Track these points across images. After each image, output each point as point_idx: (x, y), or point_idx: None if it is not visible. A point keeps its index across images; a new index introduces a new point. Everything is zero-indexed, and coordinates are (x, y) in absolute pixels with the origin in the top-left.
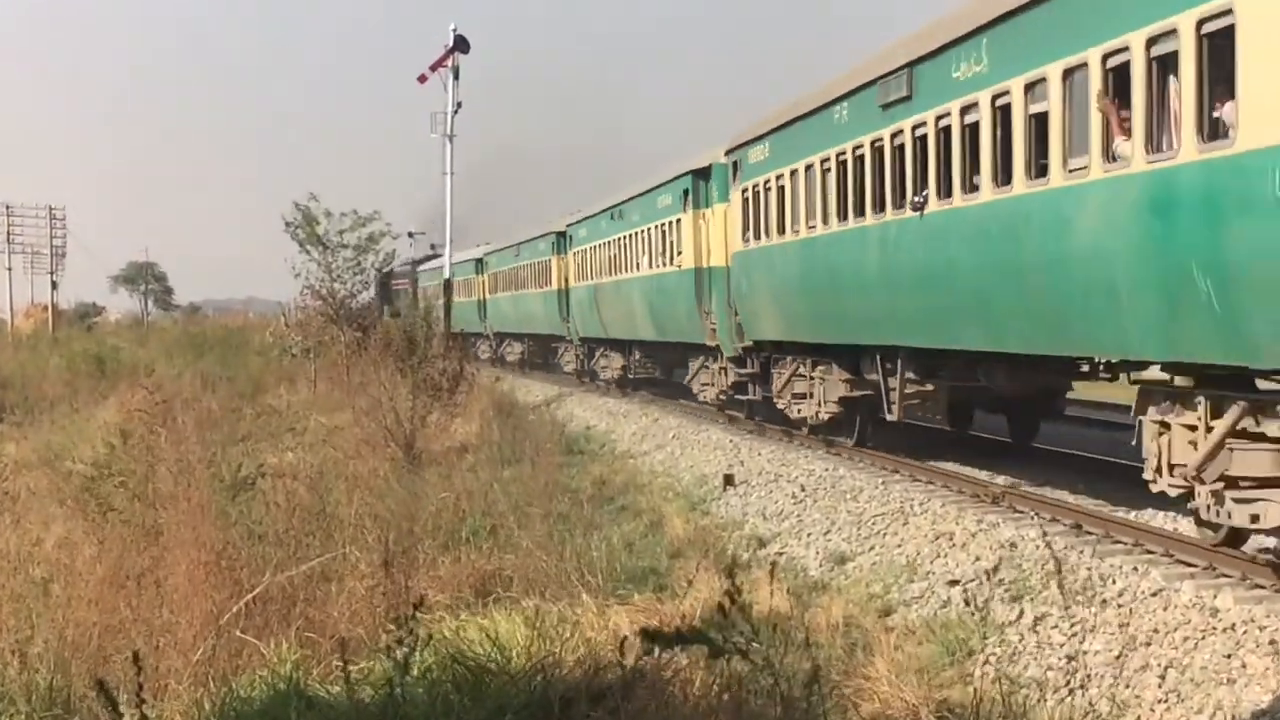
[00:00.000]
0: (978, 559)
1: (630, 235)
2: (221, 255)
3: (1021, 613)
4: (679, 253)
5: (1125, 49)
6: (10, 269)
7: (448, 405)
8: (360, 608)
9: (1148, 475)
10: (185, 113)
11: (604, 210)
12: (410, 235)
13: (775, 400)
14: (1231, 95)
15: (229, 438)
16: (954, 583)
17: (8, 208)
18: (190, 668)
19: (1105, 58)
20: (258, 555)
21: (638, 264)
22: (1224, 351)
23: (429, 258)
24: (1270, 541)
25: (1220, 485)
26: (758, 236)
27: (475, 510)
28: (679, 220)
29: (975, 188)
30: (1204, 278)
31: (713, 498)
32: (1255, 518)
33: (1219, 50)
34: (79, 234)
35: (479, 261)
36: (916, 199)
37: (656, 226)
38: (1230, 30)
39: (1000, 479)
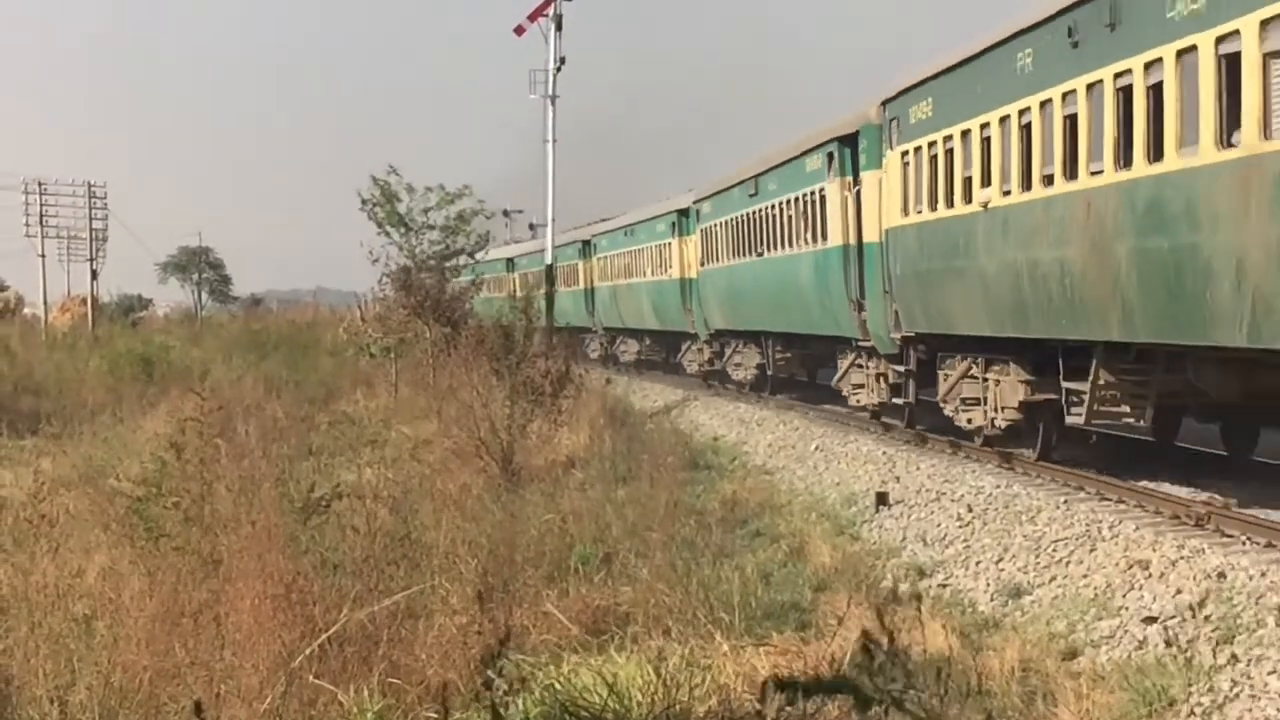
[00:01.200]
0: (1179, 592)
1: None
2: (286, 240)
3: (1233, 656)
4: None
5: None
6: (44, 255)
7: (551, 412)
8: (452, 649)
9: None
10: (244, 81)
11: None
12: (506, 214)
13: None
14: None
15: (298, 451)
16: (1151, 620)
17: (40, 184)
18: (257, 719)
19: None
20: (333, 588)
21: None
22: None
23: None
24: None
25: None
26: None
27: (585, 535)
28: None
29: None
30: None
31: (864, 520)
32: None
33: None
34: (122, 215)
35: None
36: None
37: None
38: None
39: (1205, 497)
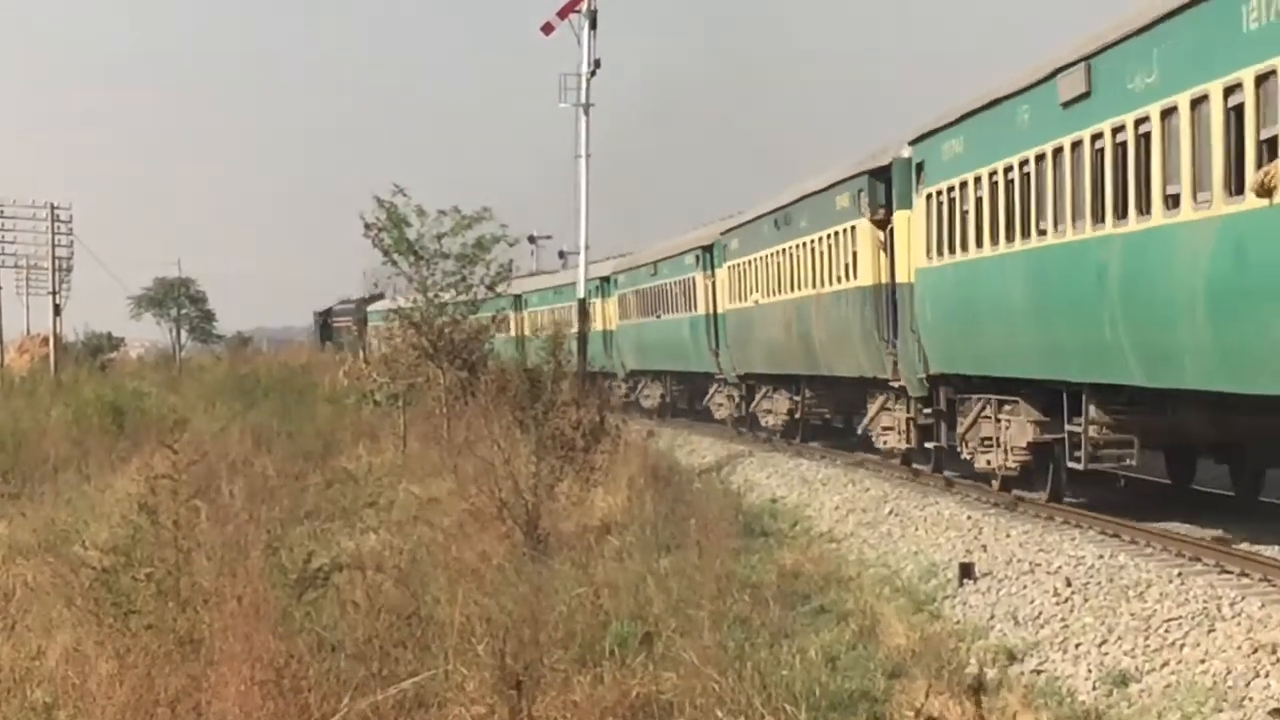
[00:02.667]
0: None
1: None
2: (278, 270)
3: None
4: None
5: None
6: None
7: (584, 469)
8: None
9: None
10: (227, 91)
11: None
12: (532, 240)
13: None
14: None
15: (291, 515)
16: (1278, 712)
17: None
18: None
19: None
20: (331, 673)
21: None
22: None
23: (375, 297)
24: None
25: None
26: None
27: (622, 611)
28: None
29: None
30: None
31: (945, 595)
32: None
33: None
34: (90, 242)
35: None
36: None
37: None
38: None
39: None
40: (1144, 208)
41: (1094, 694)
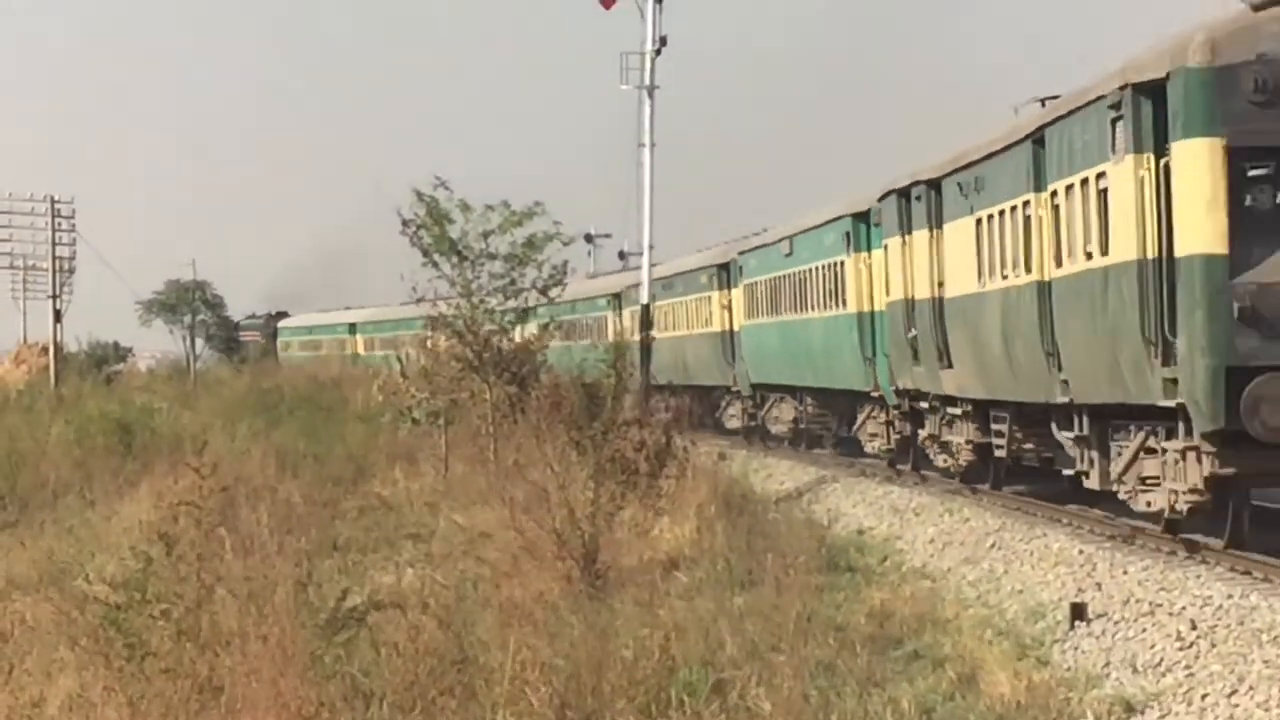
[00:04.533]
0: None
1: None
2: (301, 272)
3: None
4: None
5: None
6: None
7: (648, 497)
8: None
9: None
10: (250, 75)
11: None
12: (589, 239)
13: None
14: None
15: (320, 546)
16: None
17: None
18: None
19: None
20: None
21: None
22: None
23: (281, 314)
24: None
25: None
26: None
27: (692, 656)
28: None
29: None
30: None
31: (1054, 639)
32: None
33: None
34: (95, 240)
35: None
36: None
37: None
38: None
39: None
40: (801, 310)
41: None
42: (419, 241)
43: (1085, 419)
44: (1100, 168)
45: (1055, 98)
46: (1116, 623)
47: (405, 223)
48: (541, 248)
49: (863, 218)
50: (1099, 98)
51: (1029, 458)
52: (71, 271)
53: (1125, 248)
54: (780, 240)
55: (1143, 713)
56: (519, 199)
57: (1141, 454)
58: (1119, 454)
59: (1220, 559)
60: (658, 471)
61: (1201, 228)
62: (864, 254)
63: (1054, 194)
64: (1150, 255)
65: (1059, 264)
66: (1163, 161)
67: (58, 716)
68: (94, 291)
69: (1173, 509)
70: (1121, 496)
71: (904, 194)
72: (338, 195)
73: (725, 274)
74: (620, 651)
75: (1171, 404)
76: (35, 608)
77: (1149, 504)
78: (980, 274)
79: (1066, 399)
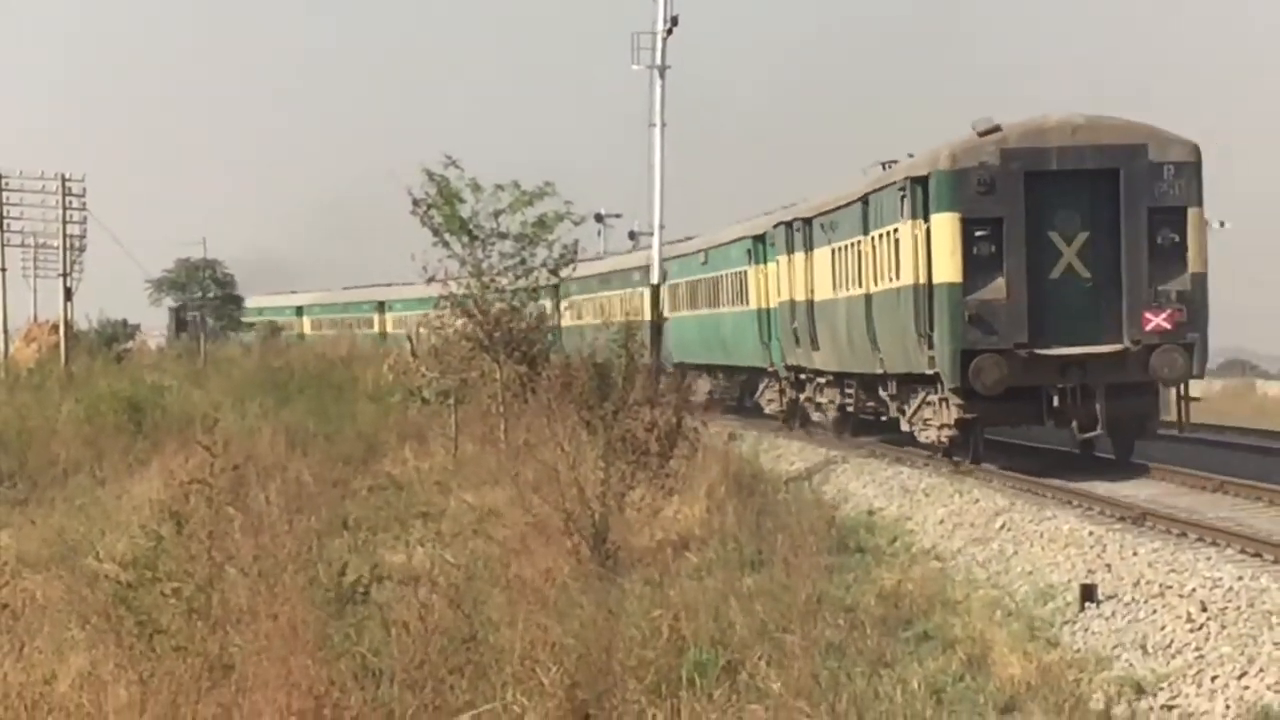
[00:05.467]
0: None
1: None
2: (312, 251)
3: None
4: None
5: None
6: (4, 269)
7: (658, 477)
8: None
9: None
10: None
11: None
12: (599, 219)
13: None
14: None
15: (330, 525)
16: None
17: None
18: None
19: None
20: (377, 702)
21: (720, 301)
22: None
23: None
24: None
25: None
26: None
27: (702, 637)
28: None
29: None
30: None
31: (1064, 620)
32: None
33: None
34: (105, 218)
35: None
36: None
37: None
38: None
39: None
40: (714, 305)
41: None
42: (429, 221)
43: (894, 384)
44: (895, 225)
45: (894, 161)
46: (1126, 604)
47: (415, 202)
48: (552, 227)
49: (760, 239)
50: (895, 183)
51: (868, 411)
52: (82, 250)
53: (907, 277)
54: (698, 251)
55: (1153, 695)
56: (530, 180)
57: (923, 404)
58: (912, 405)
59: (1230, 542)
60: (668, 451)
61: (947, 266)
62: (761, 266)
63: (874, 238)
64: (920, 282)
65: (876, 284)
66: (926, 225)
67: (68, 694)
68: (104, 270)
69: (939, 440)
70: (915, 434)
71: (789, 225)
72: (345, 178)
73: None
74: (630, 631)
75: (933, 372)
76: (46, 586)
77: (927, 437)
78: (835, 286)
79: (883, 371)
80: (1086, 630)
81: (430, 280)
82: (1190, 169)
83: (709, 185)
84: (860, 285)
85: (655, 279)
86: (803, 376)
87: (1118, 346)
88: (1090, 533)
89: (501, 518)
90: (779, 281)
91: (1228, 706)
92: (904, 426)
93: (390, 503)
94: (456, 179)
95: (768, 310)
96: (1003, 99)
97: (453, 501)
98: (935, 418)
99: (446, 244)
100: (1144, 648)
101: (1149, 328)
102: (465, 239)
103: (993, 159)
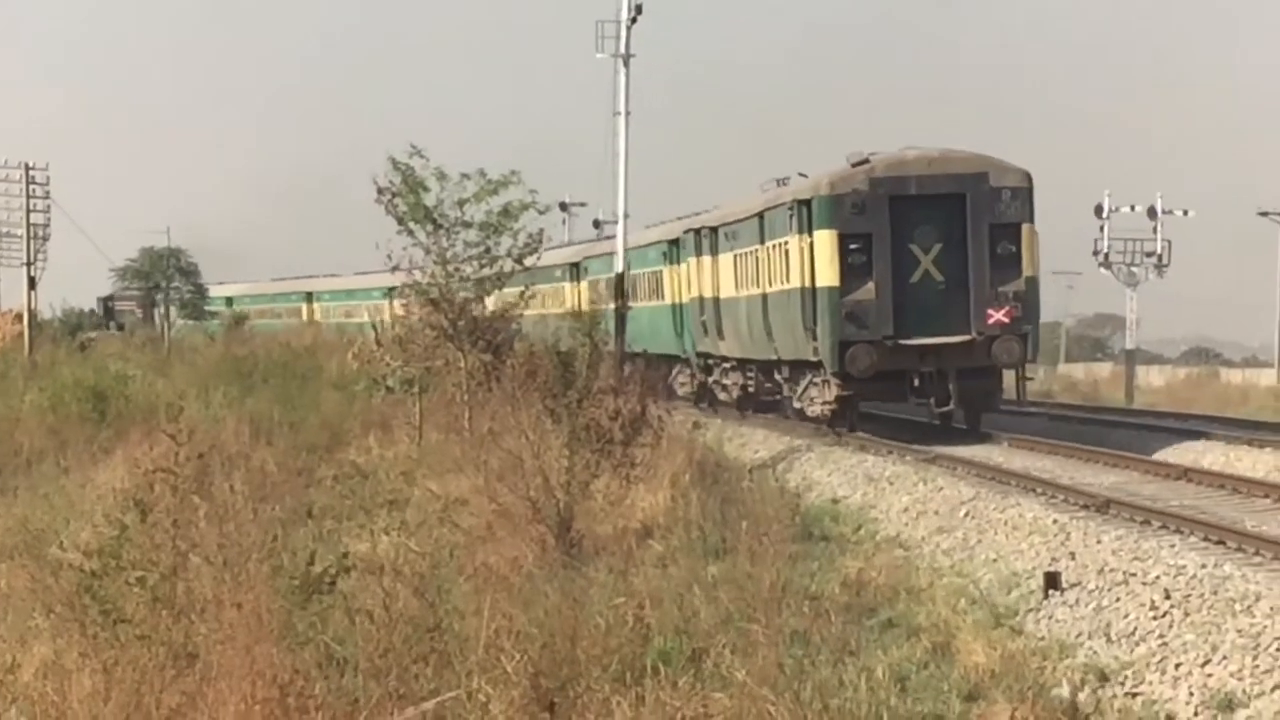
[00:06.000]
0: None
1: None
2: (274, 240)
3: None
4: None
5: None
6: None
7: (622, 465)
8: None
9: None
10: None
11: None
12: (564, 208)
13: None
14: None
15: (295, 514)
16: None
17: None
18: None
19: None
20: (341, 691)
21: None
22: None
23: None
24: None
25: None
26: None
27: (666, 625)
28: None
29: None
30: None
31: (1028, 608)
32: None
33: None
34: (69, 207)
35: (575, 266)
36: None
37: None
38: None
39: None
40: (634, 300)
41: (1196, 719)
42: (394, 210)
43: (786, 368)
44: (786, 238)
45: (787, 178)
46: (1090, 592)
47: (380, 191)
48: (517, 216)
49: (675, 243)
50: (785, 204)
51: (765, 391)
52: (46, 239)
53: (796, 281)
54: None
55: (1117, 682)
56: (497, 169)
57: (809, 385)
58: (800, 386)
59: (1194, 529)
60: (632, 440)
61: (827, 273)
62: (675, 266)
63: (769, 247)
64: (806, 285)
65: (771, 286)
66: (810, 239)
67: (32, 683)
68: (68, 259)
69: (823, 414)
70: (804, 409)
71: (698, 233)
72: (307, 164)
73: (576, 270)
74: (595, 619)
75: (817, 359)
76: (10, 575)
77: (813, 412)
78: (737, 286)
79: (777, 358)
80: (1050, 618)
81: (394, 269)
82: (1024, 192)
83: (688, 169)
84: (758, 286)
85: (619, 267)
86: (710, 362)
87: (966, 337)
88: (1054, 520)
89: (466, 506)
90: (690, 281)
91: (1191, 694)
92: (795, 404)
93: (355, 491)
94: (421, 167)
95: (681, 305)
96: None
97: (417, 490)
98: (819, 396)
99: (411, 232)
100: (1108, 635)
101: (991, 322)
102: (429, 228)
103: (863, 185)
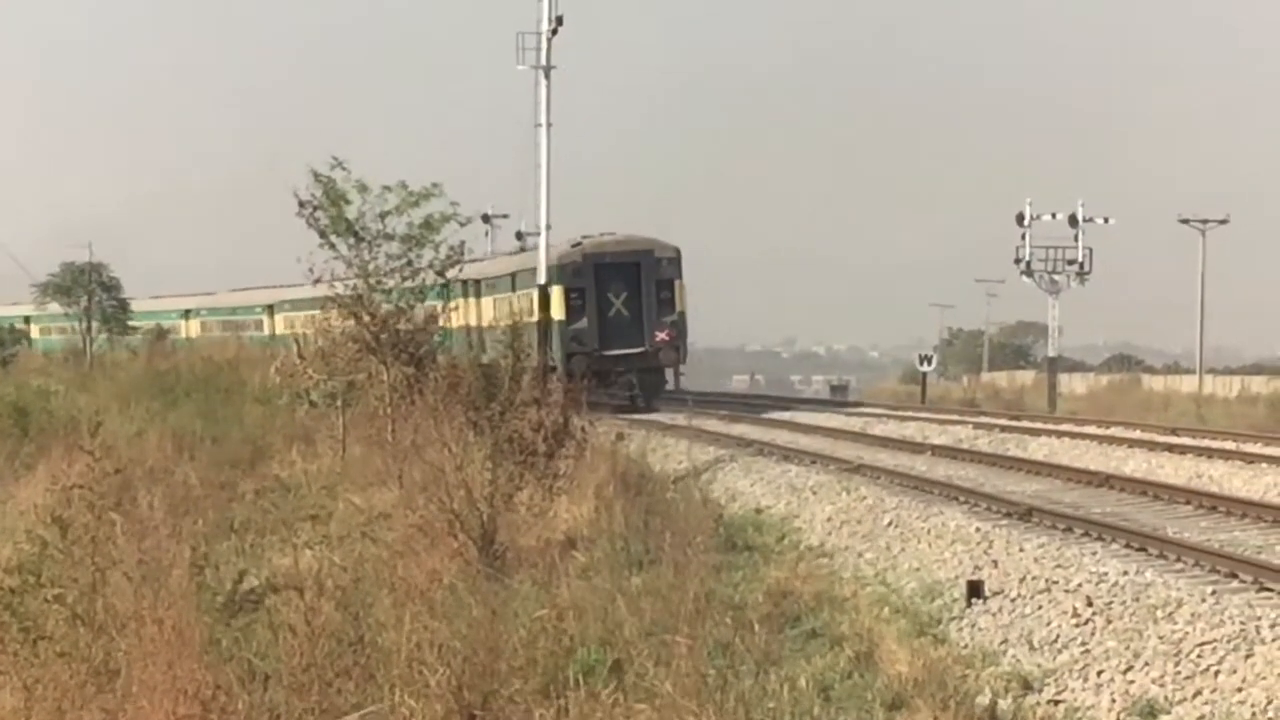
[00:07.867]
0: None
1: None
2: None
3: None
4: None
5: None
6: None
7: (546, 477)
8: None
9: None
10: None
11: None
12: (487, 219)
13: None
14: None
15: (217, 528)
16: None
17: None
18: None
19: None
20: (264, 706)
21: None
22: None
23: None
24: None
25: None
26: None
27: (589, 636)
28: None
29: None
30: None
31: (951, 617)
32: None
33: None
34: None
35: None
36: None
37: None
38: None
39: None
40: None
41: None
42: (315, 223)
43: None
44: (531, 289)
45: (532, 233)
46: (1013, 600)
47: (302, 204)
48: (438, 228)
49: (445, 287)
50: (529, 269)
51: None
52: None
53: (533, 315)
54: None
55: (1039, 690)
56: (419, 182)
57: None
58: None
59: (1115, 536)
60: (555, 451)
61: (559, 311)
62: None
63: (519, 295)
64: (544, 319)
65: (522, 319)
66: (545, 291)
67: None
68: None
69: None
70: None
71: (465, 284)
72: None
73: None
74: (517, 632)
75: (553, 365)
76: None
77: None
78: (495, 319)
79: None
80: (973, 626)
81: (316, 282)
82: (675, 260)
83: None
84: (511, 318)
85: (541, 279)
86: None
87: (643, 349)
88: (977, 529)
89: (389, 519)
90: (466, 314)
91: (1113, 700)
92: None
93: (277, 505)
94: (343, 180)
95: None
96: None
97: (340, 504)
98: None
99: (333, 245)
100: (1030, 643)
101: (657, 339)
102: (351, 240)
103: (579, 258)
